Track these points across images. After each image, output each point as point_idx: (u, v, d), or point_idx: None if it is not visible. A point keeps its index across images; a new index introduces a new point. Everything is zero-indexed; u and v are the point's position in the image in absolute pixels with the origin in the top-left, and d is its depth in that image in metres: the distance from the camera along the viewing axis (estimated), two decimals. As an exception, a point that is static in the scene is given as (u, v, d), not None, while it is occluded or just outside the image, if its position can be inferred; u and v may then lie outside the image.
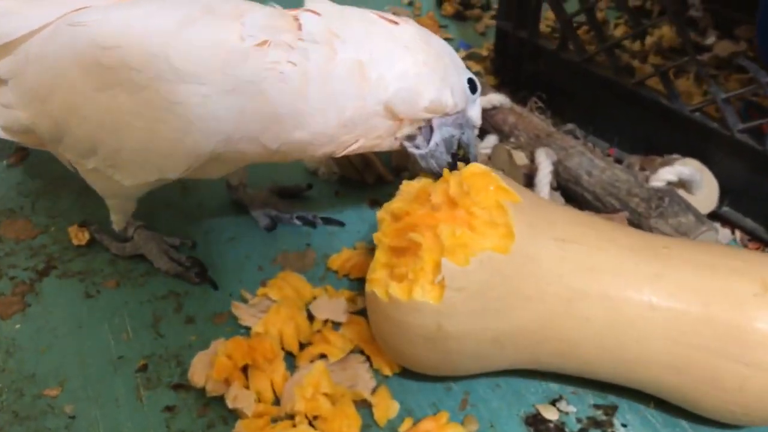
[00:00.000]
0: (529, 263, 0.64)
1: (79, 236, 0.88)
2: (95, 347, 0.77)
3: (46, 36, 0.75)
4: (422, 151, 0.73)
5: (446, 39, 1.27)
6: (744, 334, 0.61)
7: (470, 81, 0.76)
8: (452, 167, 0.73)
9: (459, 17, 1.35)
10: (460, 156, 0.77)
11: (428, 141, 0.73)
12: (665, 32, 1.23)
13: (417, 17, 1.35)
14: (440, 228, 0.65)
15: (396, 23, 0.74)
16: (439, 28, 1.32)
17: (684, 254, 0.66)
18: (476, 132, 0.79)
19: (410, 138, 0.74)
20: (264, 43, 0.69)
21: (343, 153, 0.74)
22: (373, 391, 0.72)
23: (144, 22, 0.71)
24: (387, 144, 0.74)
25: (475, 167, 0.70)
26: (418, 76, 0.71)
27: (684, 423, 0.69)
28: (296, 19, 0.72)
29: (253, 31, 0.69)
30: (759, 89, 0.81)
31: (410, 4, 1.40)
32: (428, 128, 0.73)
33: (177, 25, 0.69)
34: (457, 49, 1.23)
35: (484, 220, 0.65)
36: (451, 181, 0.69)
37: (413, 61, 0.71)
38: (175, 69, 0.67)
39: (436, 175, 0.73)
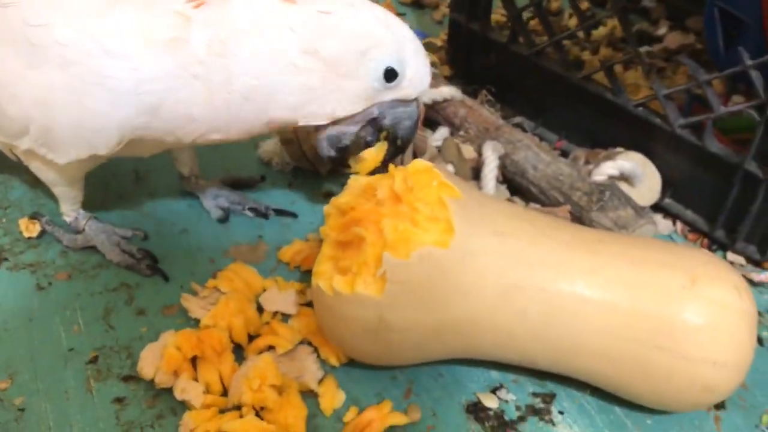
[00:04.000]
0: (467, 257, 0.66)
1: (30, 228, 0.88)
2: (46, 340, 0.77)
3: None
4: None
5: (403, 28, 1.29)
6: (671, 325, 0.64)
7: (388, 72, 0.73)
8: (337, 161, 0.78)
9: (417, 5, 1.36)
10: (396, 143, 0.78)
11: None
12: (617, 23, 1.25)
13: (376, 2, 1.36)
14: (383, 222, 0.66)
15: (294, 3, 0.72)
16: (396, 15, 1.32)
17: (617, 249, 0.68)
18: (410, 110, 0.77)
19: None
20: (174, 41, 0.71)
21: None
22: (320, 381, 0.73)
23: (71, 1, 0.73)
24: None
25: (419, 163, 0.71)
26: (300, 91, 0.72)
27: (617, 409, 0.72)
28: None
29: (163, 25, 0.71)
30: (699, 86, 0.84)
31: (369, -9, 1.40)
32: None
33: (102, 4, 0.72)
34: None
35: (426, 216, 0.67)
36: (397, 176, 0.70)
37: (297, 81, 0.72)
38: (102, 45, 0.70)
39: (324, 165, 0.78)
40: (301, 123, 0.74)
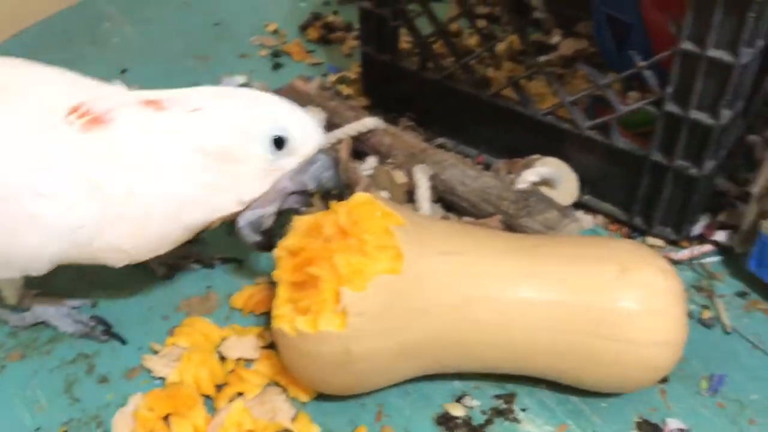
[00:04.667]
0: (419, 279, 0.70)
1: (-27, 314, 0.87)
2: (10, 424, 0.76)
3: None
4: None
5: (315, 64, 1.33)
6: (612, 314, 0.70)
7: (276, 141, 0.76)
8: (266, 244, 0.79)
9: (324, 41, 1.40)
10: (331, 195, 0.82)
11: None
12: (515, 38, 1.32)
13: (283, 44, 1.39)
14: (336, 258, 0.70)
15: (165, 109, 0.75)
16: (306, 54, 1.36)
17: (551, 250, 0.74)
18: (321, 162, 0.80)
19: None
20: (90, 181, 0.72)
21: None
22: (293, 419, 0.76)
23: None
24: None
25: (360, 196, 0.75)
26: (202, 190, 0.75)
27: (574, 398, 0.78)
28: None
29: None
30: (599, 89, 0.91)
31: (275, 32, 1.43)
32: None
33: (29, 133, 0.72)
34: (326, 74, 1.29)
35: (374, 246, 0.70)
36: (340, 212, 0.74)
37: (196, 182, 0.75)
38: (33, 184, 0.70)
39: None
40: (217, 217, 0.77)
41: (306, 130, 0.79)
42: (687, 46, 0.80)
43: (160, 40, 1.38)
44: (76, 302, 0.88)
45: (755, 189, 0.87)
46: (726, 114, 0.83)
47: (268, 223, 0.80)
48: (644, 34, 1.06)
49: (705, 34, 0.78)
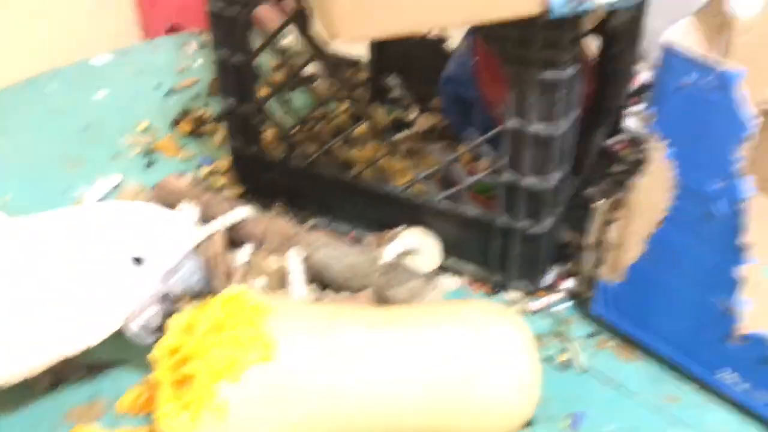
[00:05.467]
0: (292, 364, 0.75)
1: None
2: None
3: None
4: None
5: (188, 158, 1.37)
6: (473, 371, 0.77)
7: (136, 260, 0.81)
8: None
9: (196, 134, 1.45)
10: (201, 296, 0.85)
11: None
12: (379, 117, 1.42)
13: (156, 141, 1.43)
14: (211, 354, 0.74)
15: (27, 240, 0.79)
16: (179, 149, 1.40)
17: (415, 319, 0.81)
18: (189, 266, 0.83)
19: None
20: None
21: None
22: None
23: None
24: None
25: (232, 289, 0.80)
26: (71, 323, 0.79)
27: (452, 453, 0.84)
28: None
29: None
30: (448, 163, 1.01)
31: (146, 130, 1.47)
32: None
33: None
34: (200, 166, 1.34)
35: (248, 337, 0.75)
36: (213, 307, 0.78)
37: (65, 318, 0.78)
38: None
39: None
40: (94, 343, 0.81)
41: (166, 241, 0.82)
42: (512, 123, 0.91)
43: (29, 149, 1.39)
44: (-46, 429, 0.87)
45: (590, 239, 0.98)
46: (555, 176, 0.94)
47: (157, 321, 0.83)
48: (484, 109, 1.17)
49: (526, 111, 0.89)
